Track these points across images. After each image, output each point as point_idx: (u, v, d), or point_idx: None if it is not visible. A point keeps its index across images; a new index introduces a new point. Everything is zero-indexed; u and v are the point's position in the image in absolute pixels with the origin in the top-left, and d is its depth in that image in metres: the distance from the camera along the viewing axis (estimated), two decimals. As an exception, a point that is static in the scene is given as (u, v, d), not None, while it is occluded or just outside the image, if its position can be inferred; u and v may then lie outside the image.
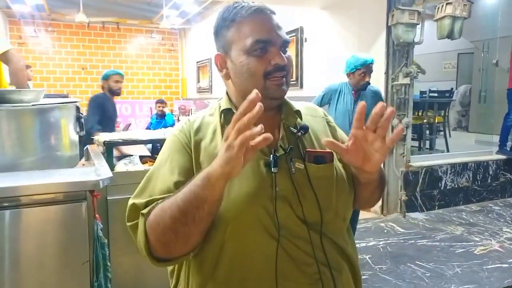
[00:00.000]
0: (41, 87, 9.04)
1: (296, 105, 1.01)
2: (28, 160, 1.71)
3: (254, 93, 0.69)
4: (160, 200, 0.84)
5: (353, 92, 2.97)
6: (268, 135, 0.68)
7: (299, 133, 0.94)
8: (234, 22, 0.90)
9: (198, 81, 9.90)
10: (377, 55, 4.55)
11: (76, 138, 2.02)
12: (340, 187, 0.95)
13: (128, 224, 0.89)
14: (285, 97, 1.00)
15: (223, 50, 0.95)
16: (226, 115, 0.94)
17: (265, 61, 0.88)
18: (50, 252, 1.55)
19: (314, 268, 0.89)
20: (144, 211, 0.85)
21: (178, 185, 0.85)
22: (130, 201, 0.89)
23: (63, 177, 1.57)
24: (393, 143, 0.79)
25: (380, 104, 0.77)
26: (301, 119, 0.99)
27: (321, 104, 3.04)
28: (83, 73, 9.89)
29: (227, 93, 0.99)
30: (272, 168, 0.87)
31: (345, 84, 3.02)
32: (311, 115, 1.05)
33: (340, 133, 1.08)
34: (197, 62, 9.78)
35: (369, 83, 3.00)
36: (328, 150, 0.95)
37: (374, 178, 0.91)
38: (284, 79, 0.91)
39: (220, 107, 0.97)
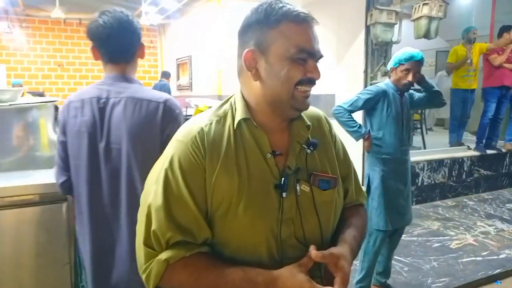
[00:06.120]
0: (15, 84, 8.80)
1: (305, 116, 0.97)
2: (6, 160, 1.68)
3: None
4: (188, 253, 0.83)
5: (398, 93, 2.52)
6: None
7: (308, 150, 0.92)
8: (280, 23, 0.85)
9: (178, 79, 9.82)
10: (356, 54, 4.63)
11: (55, 137, 1.99)
12: (337, 211, 0.98)
13: (146, 249, 0.86)
14: None
15: (257, 48, 0.87)
16: (242, 125, 0.90)
17: (302, 71, 0.86)
18: (30, 254, 1.53)
19: None
20: (168, 257, 0.83)
21: (196, 206, 0.85)
22: (153, 226, 0.85)
23: (43, 178, 1.55)
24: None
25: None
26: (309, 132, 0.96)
27: (359, 109, 2.58)
28: (60, 70, 9.67)
29: (243, 96, 0.93)
30: (283, 194, 0.87)
31: (388, 84, 2.55)
32: (317, 127, 1.01)
33: (339, 147, 1.06)
34: (177, 59, 9.69)
35: (412, 84, 2.49)
36: (333, 175, 0.96)
37: None
38: (309, 92, 0.89)
39: (232, 112, 0.92)
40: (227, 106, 0.94)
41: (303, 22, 0.86)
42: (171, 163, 0.86)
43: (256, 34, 0.87)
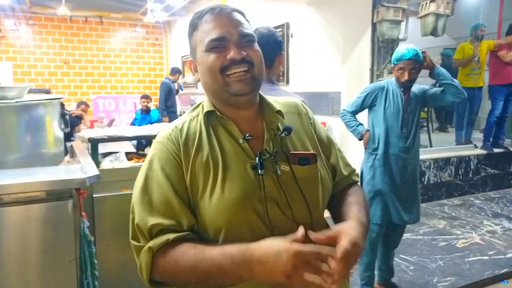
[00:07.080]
0: (22, 81, 8.86)
1: (277, 104, 1.01)
2: (12, 157, 1.68)
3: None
4: (172, 236, 0.85)
5: (401, 89, 2.51)
6: None
7: (283, 134, 0.95)
8: (197, 26, 0.94)
9: (183, 76, 9.83)
10: (362, 51, 4.60)
11: (61, 135, 2.00)
12: (325, 186, 0.98)
13: (133, 243, 0.90)
14: (266, 97, 1.01)
15: (192, 56, 0.98)
16: (209, 116, 0.96)
17: (222, 57, 0.90)
18: (36, 251, 1.54)
19: None
20: (152, 245, 0.85)
21: (177, 196, 0.88)
22: (136, 220, 0.89)
23: (49, 175, 1.56)
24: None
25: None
26: (283, 118, 0.99)
27: (361, 107, 2.63)
28: (66, 67, 9.71)
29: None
30: (259, 171, 0.89)
31: (391, 82, 2.57)
32: (293, 112, 1.05)
33: (319, 130, 1.08)
34: (182, 56, 9.69)
35: (410, 82, 2.47)
36: (311, 151, 0.97)
37: None
38: (248, 74, 0.90)
39: (203, 108, 0.98)
40: (199, 108, 1.01)
41: (214, 14, 0.93)
42: (150, 163, 0.93)
43: (189, 45, 0.99)
